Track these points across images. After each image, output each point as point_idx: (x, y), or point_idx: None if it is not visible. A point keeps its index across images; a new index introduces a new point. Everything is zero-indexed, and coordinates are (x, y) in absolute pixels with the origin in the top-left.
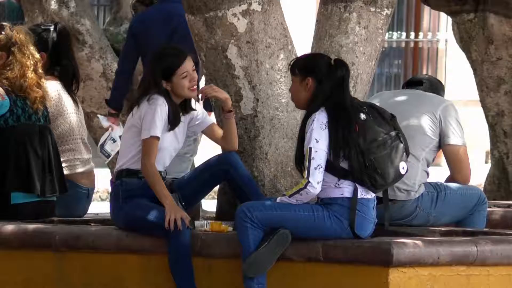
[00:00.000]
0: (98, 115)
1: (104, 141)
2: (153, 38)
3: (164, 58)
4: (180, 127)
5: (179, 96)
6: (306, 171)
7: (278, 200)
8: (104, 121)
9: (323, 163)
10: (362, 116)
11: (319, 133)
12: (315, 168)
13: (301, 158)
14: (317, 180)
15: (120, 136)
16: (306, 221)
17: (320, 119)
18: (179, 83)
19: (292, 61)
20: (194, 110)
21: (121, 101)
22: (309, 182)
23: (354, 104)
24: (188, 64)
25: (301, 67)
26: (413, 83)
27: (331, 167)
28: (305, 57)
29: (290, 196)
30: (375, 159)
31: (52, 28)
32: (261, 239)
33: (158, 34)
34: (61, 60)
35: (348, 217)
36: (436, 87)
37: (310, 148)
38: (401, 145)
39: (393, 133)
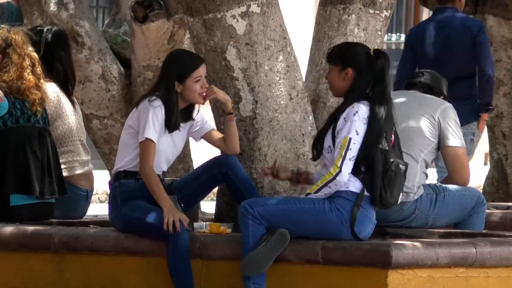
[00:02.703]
0: None
1: None
2: (427, 47)
3: (181, 60)
4: (179, 133)
5: (187, 99)
6: (340, 159)
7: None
8: None
9: (356, 155)
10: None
11: (361, 126)
12: (350, 159)
13: (320, 139)
14: (348, 171)
15: None
16: (307, 214)
17: (362, 112)
18: (191, 87)
19: (330, 50)
20: (193, 120)
21: None
22: (340, 171)
23: (392, 114)
24: (203, 70)
25: (340, 57)
26: (415, 76)
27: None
28: (344, 46)
29: (316, 192)
30: (392, 171)
31: (45, 30)
32: (261, 235)
33: (432, 43)
34: (54, 63)
35: (349, 210)
36: (438, 80)
37: (350, 139)
38: (404, 179)
39: (404, 163)
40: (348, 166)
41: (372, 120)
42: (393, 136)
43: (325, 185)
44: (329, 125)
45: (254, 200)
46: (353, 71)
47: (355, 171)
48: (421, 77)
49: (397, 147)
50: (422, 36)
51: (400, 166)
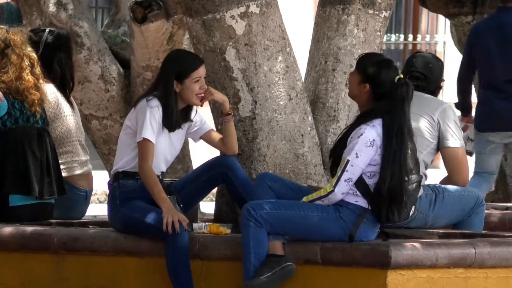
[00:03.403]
0: None
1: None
2: (484, 47)
3: (181, 60)
4: (178, 133)
5: (185, 100)
6: (335, 179)
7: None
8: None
9: (354, 178)
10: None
11: (362, 149)
12: (345, 180)
13: (337, 156)
14: (342, 191)
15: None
16: (310, 221)
17: (368, 135)
18: (190, 87)
19: (361, 55)
20: (192, 121)
21: (466, 103)
22: (333, 191)
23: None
24: (202, 70)
25: (364, 70)
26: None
27: (360, 181)
28: (372, 61)
29: (310, 202)
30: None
31: (47, 31)
32: (262, 238)
33: (489, 43)
34: (52, 64)
35: (354, 222)
36: (435, 77)
37: (348, 161)
38: (419, 192)
39: (417, 178)
40: (342, 186)
41: (388, 142)
42: (408, 151)
43: (318, 198)
44: (343, 141)
45: (257, 203)
46: (370, 88)
47: (364, 191)
48: (419, 80)
49: (413, 159)
50: (481, 35)
51: (410, 187)
